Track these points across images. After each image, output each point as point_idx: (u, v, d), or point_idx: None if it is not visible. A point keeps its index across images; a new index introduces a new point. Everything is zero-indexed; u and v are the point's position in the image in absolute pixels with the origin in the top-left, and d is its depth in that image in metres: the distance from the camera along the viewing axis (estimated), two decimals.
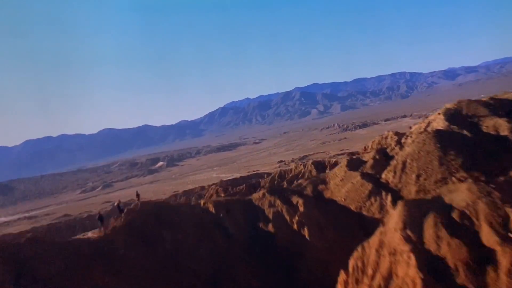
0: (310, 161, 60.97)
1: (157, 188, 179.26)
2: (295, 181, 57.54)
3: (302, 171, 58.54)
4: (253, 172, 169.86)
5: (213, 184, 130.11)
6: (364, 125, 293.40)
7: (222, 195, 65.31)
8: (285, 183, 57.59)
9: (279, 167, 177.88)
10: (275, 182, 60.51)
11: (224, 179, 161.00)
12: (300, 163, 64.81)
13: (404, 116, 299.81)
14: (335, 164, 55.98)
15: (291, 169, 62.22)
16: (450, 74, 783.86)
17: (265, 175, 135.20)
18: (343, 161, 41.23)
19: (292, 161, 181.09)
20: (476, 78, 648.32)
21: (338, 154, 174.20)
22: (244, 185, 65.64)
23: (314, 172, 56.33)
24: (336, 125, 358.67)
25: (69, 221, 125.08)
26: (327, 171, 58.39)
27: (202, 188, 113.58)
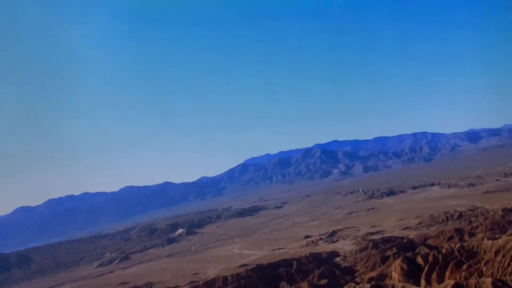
0: None
1: (176, 266, 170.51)
2: None
3: None
4: (278, 252, 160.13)
5: (238, 269, 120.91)
6: (391, 193, 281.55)
7: None
8: None
9: (306, 245, 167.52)
10: None
11: (246, 260, 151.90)
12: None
13: (432, 184, 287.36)
14: None
15: None
16: (472, 136, 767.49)
17: (294, 262, 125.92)
18: None
19: (320, 238, 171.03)
20: (500, 142, 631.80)
21: (371, 233, 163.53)
22: None
23: None
24: (360, 190, 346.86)
25: None
26: None
27: (225, 280, 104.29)
